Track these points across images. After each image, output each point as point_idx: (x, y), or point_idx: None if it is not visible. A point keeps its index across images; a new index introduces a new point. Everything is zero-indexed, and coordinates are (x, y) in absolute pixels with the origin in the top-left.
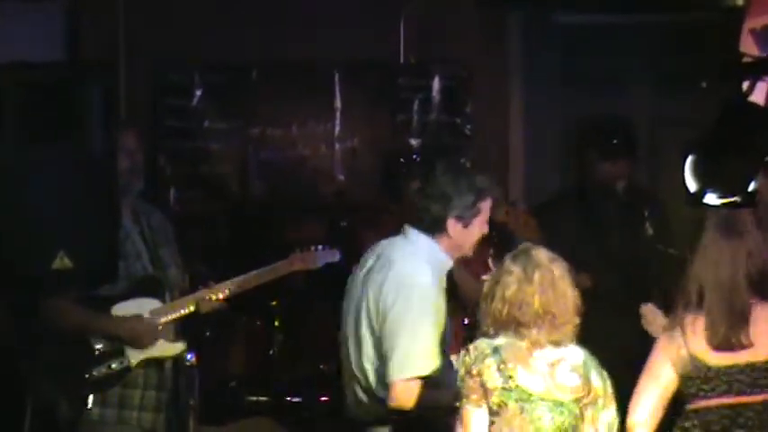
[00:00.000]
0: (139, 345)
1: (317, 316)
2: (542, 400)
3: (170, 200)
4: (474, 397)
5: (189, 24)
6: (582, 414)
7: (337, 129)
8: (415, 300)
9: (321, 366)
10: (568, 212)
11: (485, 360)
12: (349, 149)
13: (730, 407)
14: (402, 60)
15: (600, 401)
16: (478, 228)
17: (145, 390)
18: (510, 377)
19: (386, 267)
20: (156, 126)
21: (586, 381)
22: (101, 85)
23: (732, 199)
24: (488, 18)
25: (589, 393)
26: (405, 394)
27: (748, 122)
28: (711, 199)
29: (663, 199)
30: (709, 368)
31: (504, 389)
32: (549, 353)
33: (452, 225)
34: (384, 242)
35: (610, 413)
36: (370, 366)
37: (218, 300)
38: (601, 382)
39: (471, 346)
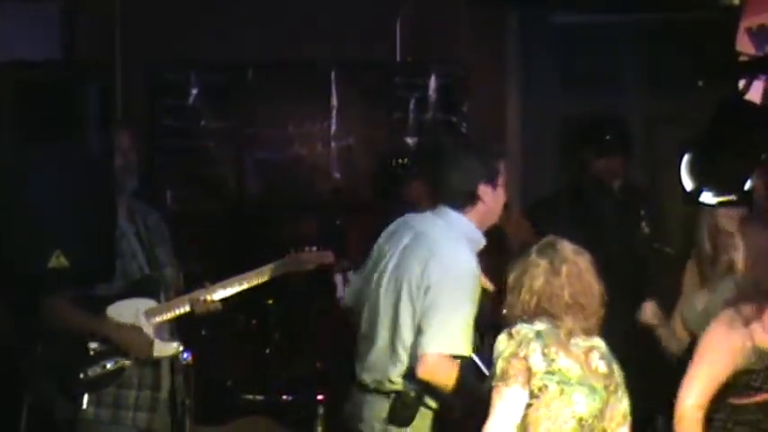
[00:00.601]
0: (132, 354)
1: (312, 315)
2: (580, 384)
3: (167, 199)
4: (521, 379)
5: (185, 24)
6: (610, 400)
7: (333, 127)
8: (462, 281)
9: (317, 365)
10: (564, 211)
11: (530, 344)
12: (345, 148)
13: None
14: (398, 59)
15: (620, 391)
16: (501, 188)
17: (140, 390)
18: (553, 360)
19: (428, 246)
20: (152, 125)
21: (611, 369)
22: (98, 84)
23: (728, 197)
24: (485, 17)
25: (612, 381)
26: (435, 368)
27: (744, 121)
28: (707, 197)
29: (659, 197)
30: None
31: (547, 372)
32: (582, 341)
33: (483, 190)
34: (416, 217)
35: (625, 403)
36: (407, 336)
37: (212, 300)
38: (619, 372)
39: (513, 330)
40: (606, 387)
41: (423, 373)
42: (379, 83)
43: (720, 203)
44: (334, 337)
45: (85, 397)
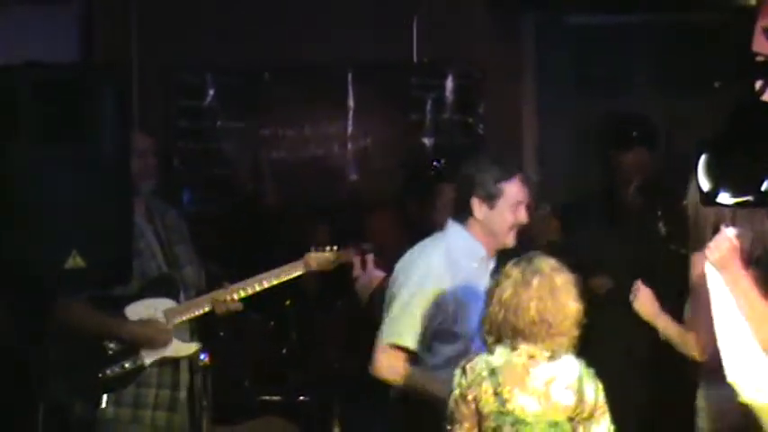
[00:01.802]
0: (153, 348)
1: (329, 315)
2: (537, 422)
3: (183, 200)
4: (466, 425)
5: (201, 25)
6: (575, 429)
7: (350, 129)
8: (415, 276)
9: (334, 366)
10: (594, 211)
11: (482, 384)
12: (362, 149)
13: None
14: (415, 60)
15: (596, 414)
16: (508, 210)
17: (159, 389)
18: (507, 400)
19: (407, 254)
20: (168, 127)
21: (580, 397)
22: (114, 85)
23: (745, 198)
24: (501, 18)
25: (583, 410)
26: (384, 362)
27: (761, 122)
28: (724, 198)
29: (676, 198)
30: None
31: (500, 413)
32: (544, 369)
33: (477, 206)
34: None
35: (603, 425)
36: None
37: (233, 300)
38: (594, 396)
39: (468, 366)
40: (572, 418)
41: (372, 367)
42: (395, 84)
43: (737, 204)
44: (350, 337)
45: (105, 397)
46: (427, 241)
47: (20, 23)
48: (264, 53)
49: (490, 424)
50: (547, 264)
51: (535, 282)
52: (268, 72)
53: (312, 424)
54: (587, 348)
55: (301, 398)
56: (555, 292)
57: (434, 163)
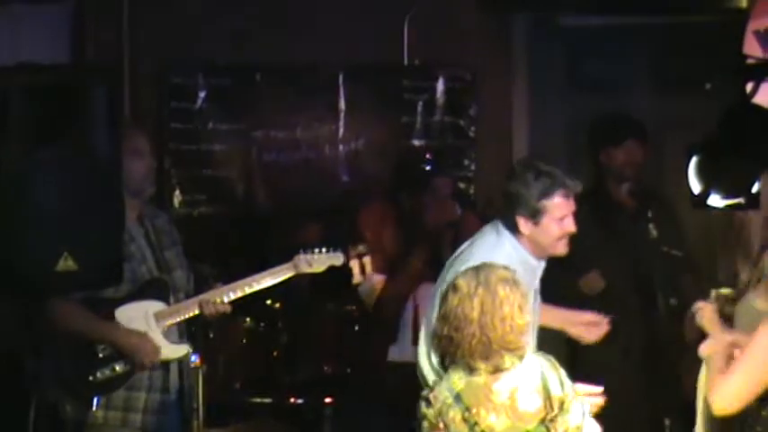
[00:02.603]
0: (140, 360)
1: (320, 317)
2: None
3: (175, 202)
4: None
5: (193, 26)
6: (549, 430)
7: (341, 130)
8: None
9: (324, 368)
10: (584, 213)
11: (449, 412)
12: (353, 151)
13: None
14: (406, 62)
15: (565, 406)
16: (555, 225)
17: (149, 392)
18: (476, 423)
19: (468, 256)
20: (160, 128)
21: (547, 395)
22: (106, 87)
23: (736, 200)
24: (493, 20)
25: (552, 407)
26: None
27: (752, 124)
28: (715, 200)
29: (669, 201)
30: None
31: None
32: (507, 380)
33: (522, 223)
34: (485, 227)
35: (575, 416)
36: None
37: (222, 303)
38: (560, 387)
39: (432, 396)
40: (543, 419)
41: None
42: (387, 86)
43: (728, 206)
44: (341, 339)
45: (95, 400)
46: (485, 245)
47: (11, 24)
48: (256, 55)
49: None
50: (495, 273)
51: (479, 295)
52: (260, 74)
53: (303, 426)
54: (584, 350)
55: (292, 400)
56: (498, 306)
57: (426, 157)
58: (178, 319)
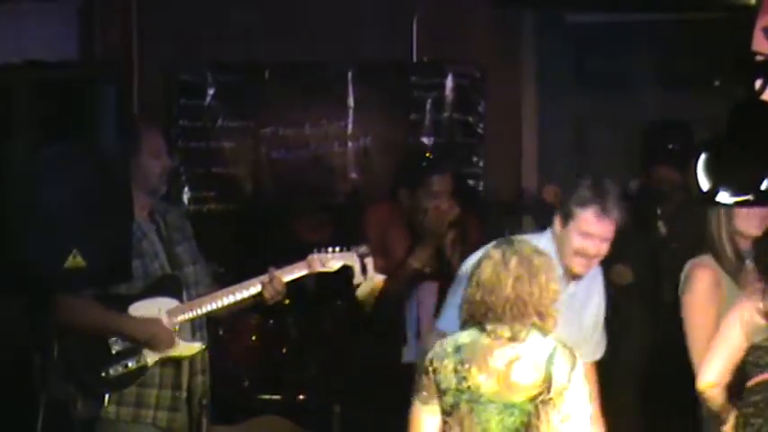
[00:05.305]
0: (156, 348)
1: (329, 315)
2: (492, 401)
3: (184, 199)
4: (424, 394)
5: (202, 24)
6: (538, 411)
7: (350, 128)
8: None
9: (334, 364)
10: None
11: (443, 360)
12: (362, 148)
13: None
14: (415, 59)
15: (564, 394)
16: (576, 235)
17: (161, 389)
18: (464, 378)
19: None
20: (169, 125)
21: (547, 377)
22: (114, 84)
23: (744, 197)
24: (501, 17)
25: (548, 390)
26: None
27: (760, 121)
28: (724, 197)
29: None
30: None
31: (457, 389)
32: (509, 350)
33: (557, 222)
34: None
35: (570, 404)
36: None
37: (235, 301)
38: (566, 376)
39: (438, 342)
40: (533, 398)
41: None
42: (395, 83)
43: (737, 203)
44: (350, 336)
45: (107, 396)
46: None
47: (20, 21)
48: (265, 52)
49: (448, 399)
50: (526, 245)
51: (513, 262)
52: (268, 71)
53: (311, 423)
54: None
55: (301, 397)
56: (532, 272)
57: (426, 154)
58: (191, 316)
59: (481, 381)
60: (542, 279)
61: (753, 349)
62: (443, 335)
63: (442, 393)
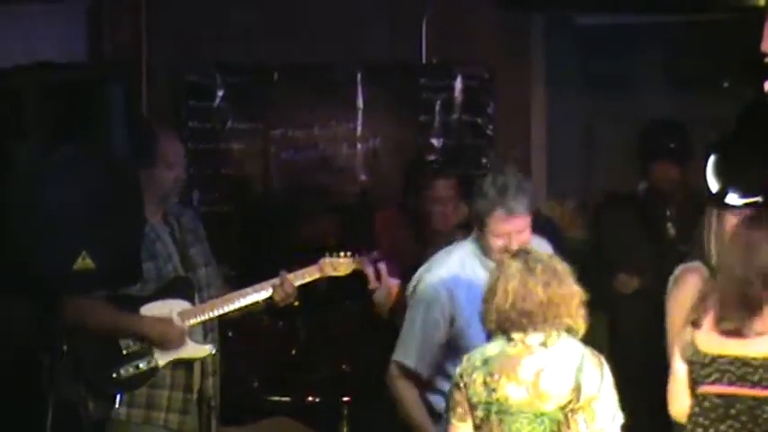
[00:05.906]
0: (167, 347)
1: (338, 316)
2: (522, 412)
3: (193, 200)
4: (459, 411)
5: (211, 25)
6: (567, 420)
7: (359, 129)
8: (416, 296)
9: (343, 367)
10: (626, 212)
11: (473, 374)
12: (371, 150)
13: (721, 396)
14: (424, 61)
15: (593, 404)
16: (492, 236)
17: (172, 391)
18: (494, 390)
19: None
20: (178, 127)
21: (577, 386)
22: (123, 85)
23: (754, 198)
24: (510, 18)
25: (578, 399)
26: (391, 380)
27: None
28: (733, 199)
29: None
30: (705, 355)
31: (486, 402)
32: (538, 358)
33: (475, 225)
34: None
35: (603, 413)
36: None
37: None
38: (596, 386)
39: (465, 357)
40: (563, 407)
41: (387, 378)
42: (404, 84)
43: (746, 205)
44: (359, 338)
45: (118, 397)
46: (441, 253)
47: (28, 23)
48: (274, 54)
49: (479, 414)
50: (543, 253)
51: (539, 268)
52: (278, 72)
53: (321, 425)
54: (613, 348)
55: (310, 398)
56: (557, 275)
57: (432, 158)
58: (203, 318)
59: (511, 391)
60: (569, 282)
61: (689, 363)
62: (402, 367)
63: (473, 408)
